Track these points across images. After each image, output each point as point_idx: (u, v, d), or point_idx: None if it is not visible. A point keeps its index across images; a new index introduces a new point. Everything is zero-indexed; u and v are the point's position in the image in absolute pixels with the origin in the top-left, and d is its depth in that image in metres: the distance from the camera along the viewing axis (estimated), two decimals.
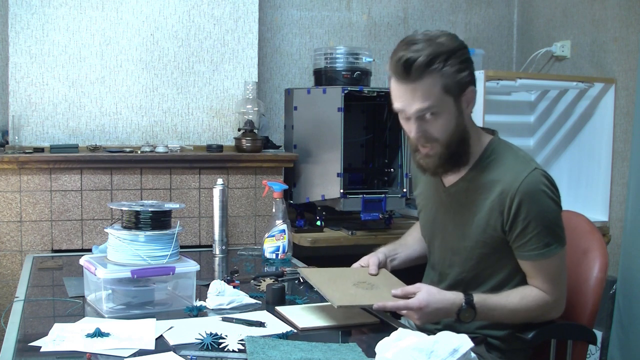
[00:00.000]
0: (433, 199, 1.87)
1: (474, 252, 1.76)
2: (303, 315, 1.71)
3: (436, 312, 1.62)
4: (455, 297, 1.65)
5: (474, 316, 1.64)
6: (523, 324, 1.74)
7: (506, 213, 1.68)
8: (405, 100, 1.64)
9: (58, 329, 1.58)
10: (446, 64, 1.61)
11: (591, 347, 2.92)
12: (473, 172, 1.75)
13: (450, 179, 1.79)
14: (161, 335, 1.56)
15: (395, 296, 1.64)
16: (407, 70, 1.60)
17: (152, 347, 1.49)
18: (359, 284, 1.75)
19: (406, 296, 1.64)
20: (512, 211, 1.66)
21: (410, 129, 1.68)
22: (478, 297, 1.65)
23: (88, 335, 1.52)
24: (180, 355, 1.44)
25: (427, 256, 1.96)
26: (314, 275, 1.76)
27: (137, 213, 1.83)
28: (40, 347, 1.48)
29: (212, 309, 1.79)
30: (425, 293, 1.62)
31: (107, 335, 1.53)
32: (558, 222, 1.69)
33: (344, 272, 1.84)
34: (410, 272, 1.95)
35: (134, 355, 1.45)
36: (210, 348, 1.47)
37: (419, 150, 1.72)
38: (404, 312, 1.61)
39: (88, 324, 1.61)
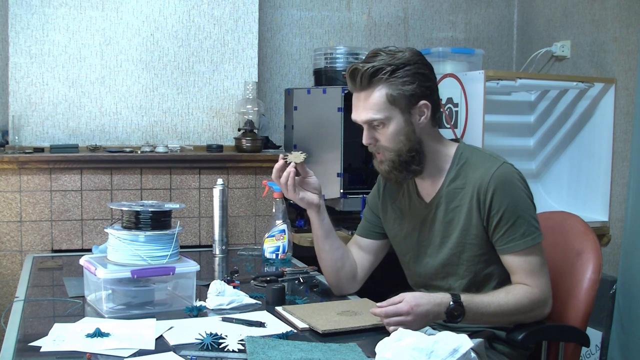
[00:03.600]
0: (412, 218, 1.88)
1: (465, 257, 1.77)
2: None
3: (427, 313, 1.61)
4: (443, 296, 1.65)
5: (462, 314, 1.64)
6: (514, 326, 1.73)
7: (482, 206, 1.72)
8: (356, 109, 1.75)
9: (58, 329, 1.58)
10: (392, 75, 1.68)
11: (591, 347, 2.93)
12: (448, 181, 1.80)
13: (429, 194, 1.83)
14: (161, 335, 1.57)
15: (381, 307, 1.64)
16: (353, 79, 1.71)
17: (152, 347, 1.49)
18: (342, 312, 1.77)
19: (392, 305, 1.63)
20: (487, 203, 1.71)
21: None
22: (465, 296, 1.66)
23: (88, 335, 1.52)
24: (180, 355, 1.44)
25: (408, 278, 1.96)
26: (298, 310, 1.77)
27: (137, 213, 1.83)
28: (40, 347, 1.48)
29: (212, 309, 1.80)
30: (411, 296, 1.62)
31: (107, 335, 1.53)
32: (532, 214, 1.73)
33: (327, 305, 1.87)
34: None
35: (134, 355, 1.45)
36: (210, 348, 1.48)
37: (376, 156, 1.80)
38: (394, 320, 1.59)
39: (88, 324, 1.61)
